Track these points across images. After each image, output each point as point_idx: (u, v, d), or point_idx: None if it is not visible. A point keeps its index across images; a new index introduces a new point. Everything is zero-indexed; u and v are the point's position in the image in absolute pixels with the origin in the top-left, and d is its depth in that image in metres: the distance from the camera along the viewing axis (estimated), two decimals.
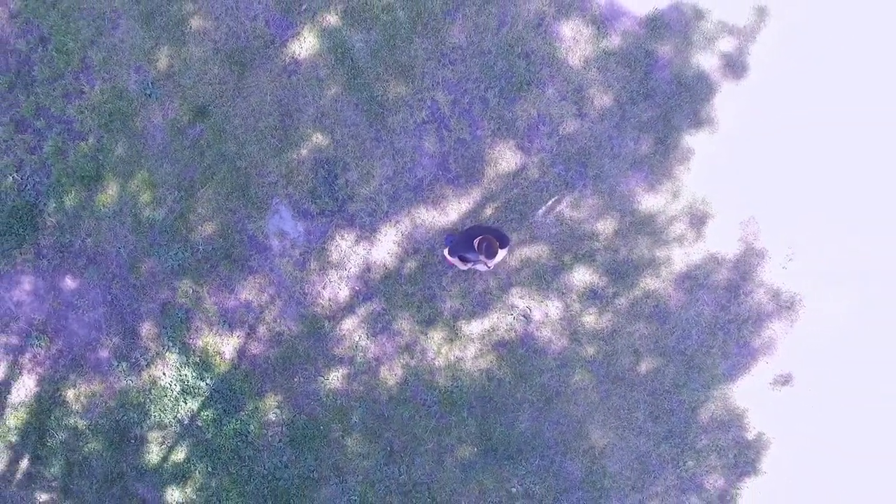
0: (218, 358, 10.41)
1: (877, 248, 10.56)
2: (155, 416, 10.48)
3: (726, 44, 10.09)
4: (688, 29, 10.12)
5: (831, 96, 10.31)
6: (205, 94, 10.03)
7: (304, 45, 9.98)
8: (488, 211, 10.15)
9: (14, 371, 10.42)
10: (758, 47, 10.15)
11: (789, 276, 10.39)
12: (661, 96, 10.14)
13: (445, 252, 9.69)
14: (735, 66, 10.13)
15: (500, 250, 8.84)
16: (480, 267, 9.18)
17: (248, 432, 10.49)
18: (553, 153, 10.10)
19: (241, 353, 10.43)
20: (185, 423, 10.55)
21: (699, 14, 10.16)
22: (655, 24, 10.12)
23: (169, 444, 10.63)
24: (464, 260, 9.21)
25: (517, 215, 10.19)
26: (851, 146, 10.46)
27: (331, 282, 10.27)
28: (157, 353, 10.38)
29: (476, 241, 8.67)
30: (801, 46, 10.35)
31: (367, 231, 10.20)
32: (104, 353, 10.37)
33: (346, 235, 10.20)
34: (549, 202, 10.23)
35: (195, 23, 9.97)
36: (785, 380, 10.53)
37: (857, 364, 10.82)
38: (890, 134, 10.49)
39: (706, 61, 10.16)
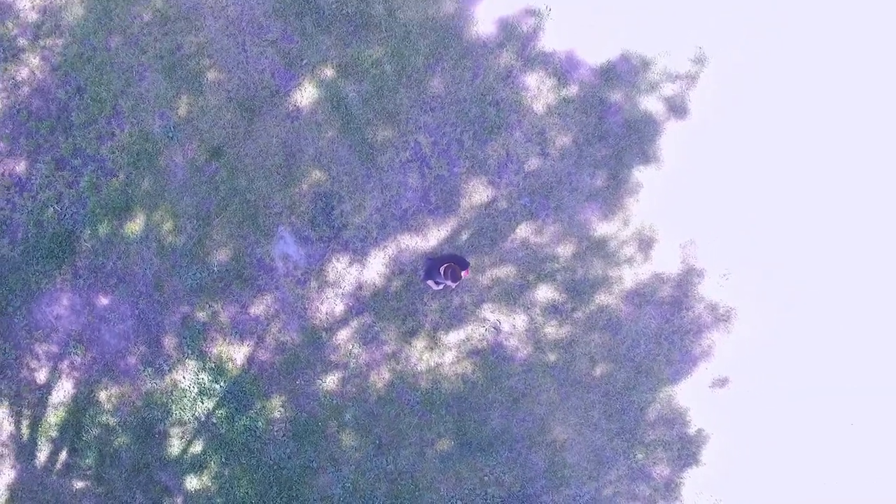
0: (230, 364, 11.05)
1: (801, 266, 11.11)
2: (176, 414, 11.09)
3: (669, 90, 10.85)
4: (636, 78, 10.86)
5: (758, 136, 10.93)
6: (219, 137, 10.76)
7: (305, 94, 10.74)
8: (464, 237, 10.85)
9: (54, 375, 11.03)
10: (697, 92, 10.86)
11: (725, 292, 11.08)
12: (614, 137, 10.88)
13: (421, 276, 10.61)
14: (677, 109, 10.87)
15: (463, 272, 9.62)
16: (452, 286, 10.41)
17: (257, 428, 11.10)
18: (519, 187, 10.84)
19: (251, 359, 11.07)
20: (202, 420, 11.15)
21: (645, 64, 10.86)
22: (608, 74, 10.86)
23: (188, 439, 11.21)
24: (436, 283, 10.20)
25: (488, 241, 10.85)
26: (779, 178, 10.99)
27: (328, 298, 10.96)
28: (178, 360, 11.03)
29: (442, 269, 9.76)
30: (735, 91, 10.96)
31: (359, 255, 10.91)
32: (132, 360, 11.02)
33: (341, 258, 10.89)
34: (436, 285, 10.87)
35: (211, 75, 10.73)
36: (722, 382, 11.21)
37: (786, 367, 11.34)
38: (810, 167, 10.98)
39: (652, 106, 10.88)
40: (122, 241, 10.88)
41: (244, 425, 11.13)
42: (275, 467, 11.17)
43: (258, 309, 11.00)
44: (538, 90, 10.79)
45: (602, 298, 11.00)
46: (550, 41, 10.77)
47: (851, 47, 11.13)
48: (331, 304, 10.99)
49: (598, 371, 11.12)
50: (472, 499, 11.33)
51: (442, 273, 9.22)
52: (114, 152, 10.77)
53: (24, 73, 10.61)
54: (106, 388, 11.06)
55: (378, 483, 11.22)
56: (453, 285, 9.35)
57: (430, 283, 10.15)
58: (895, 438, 11.48)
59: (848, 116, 11.12)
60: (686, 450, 11.34)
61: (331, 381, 11.09)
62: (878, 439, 11.50)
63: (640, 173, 10.87)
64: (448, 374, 11.11)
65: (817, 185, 11.10)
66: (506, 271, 10.95)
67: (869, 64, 11.17)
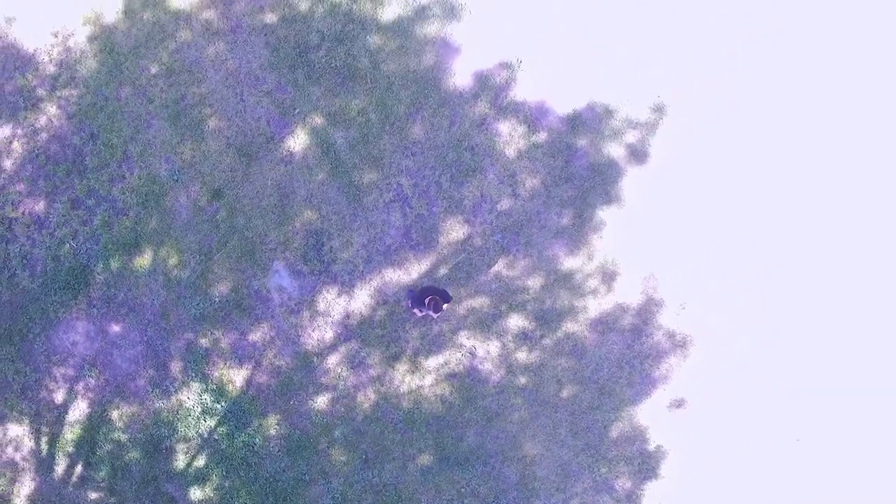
0: (230, 386, 11.54)
1: (752, 296, 11.51)
2: (181, 432, 11.58)
3: (631, 136, 11.31)
4: (600, 125, 11.29)
5: (712, 179, 11.32)
6: (220, 180, 11.25)
7: (298, 140, 11.23)
8: (442, 271, 11.28)
9: (71, 396, 11.50)
10: (656, 139, 11.33)
11: (682, 321, 11.53)
12: (579, 179, 11.33)
13: (407, 303, 11.20)
14: (638, 154, 11.33)
15: (444, 304, 10.22)
16: (434, 316, 11.14)
17: (255, 444, 11.56)
18: (493, 225, 11.28)
19: (249, 381, 11.54)
20: (205, 436, 11.63)
21: (609, 113, 11.27)
22: (574, 122, 11.28)
23: (192, 454, 11.67)
24: (420, 311, 10.95)
25: (464, 274, 11.30)
26: (732, 218, 11.36)
27: (319, 326, 11.44)
28: (183, 382, 11.51)
29: (426, 300, 10.49)
30: (691, 138, 11.35)
31: (347, 287, 11.38)
32: (141, 382, 11.49)
33: (330, 290, 11.39)
34: (493, 268, 11.34)
35: (212, 123, 11.23)
36: (679, 403, 11.67)
37: (737, 389, 11.72)
38: (759, 209, 11.34)
39: (615, 151, 11.32)
40: (131, 274, 11.35)
41: (243, 441, 11.59)
42: (271, 480, 11.61)
43: (256, 336, 11.47)
44: (510, 136, 11.27)
45: (568, 326, 11.46)
46: (522, 92, 11.24)
47: (804, 93, 11.42)
48: (321, 332, 11.47)
49: (564, 392, 11.57)
50: None
51: (426, 304, 9.99)
52: (124, 193, 11.26)
53: (42, 120, 11.12)
54: (118, 408, 11.52)
55: (365, 494, 11.65)
56: (435, 316, 10.14)
57: (415, 310, 10.72)
58: (835, 456, 11.88)
59: (792, 155, 11.42)
60: (646, 464, 11.77)
61: (321, 401, 11.57)
62: (823, 453, 11.85)
63: (604, 212, 11.34)
64: (428, 395, 11.57)
65: (765, 224, 11.45)
66: (480, 301, 11.41)
67: (812, 115, 11.47)
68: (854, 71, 11.35)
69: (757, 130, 11.40)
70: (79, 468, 11.62)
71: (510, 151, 11.26)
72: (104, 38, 11.13)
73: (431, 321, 11.34)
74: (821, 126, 11.37)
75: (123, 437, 11.56)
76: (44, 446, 11.57)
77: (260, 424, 11.56)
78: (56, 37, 11.10)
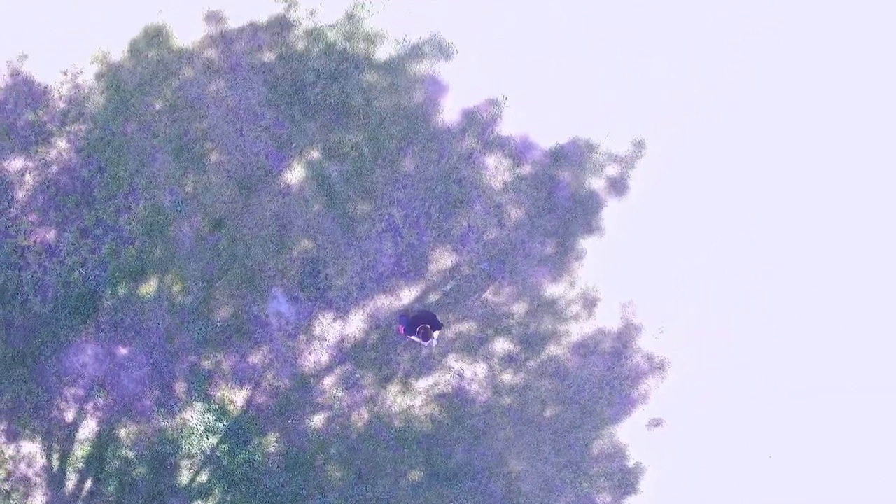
0: (232, 405, 11.79)
1: (727, 321, 11.71)
2: (185, 449, 11.85)
3: (611, 170, 11.50)
4: (582, 159, 11.49)
5: (687, 209, 11.53)
6: (221, 210, 11.49)
7: (294, 173, 11.46)
8: (432, 297, 11.52)
9: (80, 415, 11.76)
10: (635, 172, 11.53)
11: (660, 345, 11.74)
12: (562, 210, 11.54)
13: (399, 328, 11.35)
14: (618, 186, 11.51)
15: (435, 332, 10.26)
16: (423, 344, 11.06)
17: (255, 460, 11.83)
18: (479, 254, 11.51)
19: (249, 401, 11.80)
20: (208, 453, 11.89)
21: (590, 147, 11.46)
22: (557, 155, 11.49)
23: (196, 470, 11.93)
24: (415, 338, 10.73)
25: (453, 300, 11.53)
26: (707, 248, 11.57)
27: (315, 349, 11.68)
28: (187, 402, 11.76)
29: (417, 329, 10.77)
30: (669, 172, 11.55)
31: (342, 312, 11.63)
32: (147, 402, 11.76)
33: (326, 315, 11.63)
34: (481, 294, 11.49)
35: (213, 157, 11.47)
36: (657, 422, 11.88)
37: (712, 410, 11.90)
38: (732, 241, 11.56)
39: (596, 183, 11.50)
40: (138, 300, 11.61)
41: (244, 458, 11.86)
42: (270, 494, 11.89)
43: (255, 358, 11.72)
44: (496, 169, 11.49)
45: (552, 350, 11.69)
46: (507, 127, 11.45)
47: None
48: (317, 355, 11.73)
49: (548, 412, 11.81)
50: None
51: (417, 333, 10.06)
52: (130, 223, 11.51)
53: (53, 154, 11.40)
54: (125, 426, 11.80)
55: None
56: (424, 344, 10.49)
57: (410, 337, 10.76)
58: (804, 476, 12.08)
59: (760, 185, 11.61)
60: (625, 480, 12.01)
61: (318, 420, 11.81)
62: (792, 473, 12.09)
63: (585, 242, 11.55)
64: (418, 414, 11.81)
65: (738, 253, 11.67)
66: (468, 326, 11.65)
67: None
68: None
69: (731, 168, 11.57)
70: (88, 483, 11.90)
71: (496, 184, 11.49)
72: (111, 76, 11.39)
73: (425, 348, 11.71)
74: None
75: (130, 454, 11.85)
76: (55, 463, 11.84)
77: (260, 442, 11.82)
78: (65, 74, 11.39)
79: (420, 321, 10.21)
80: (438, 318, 11.31)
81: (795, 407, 11.90)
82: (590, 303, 11.63)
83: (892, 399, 11.90)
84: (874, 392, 11.87)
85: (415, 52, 11.41)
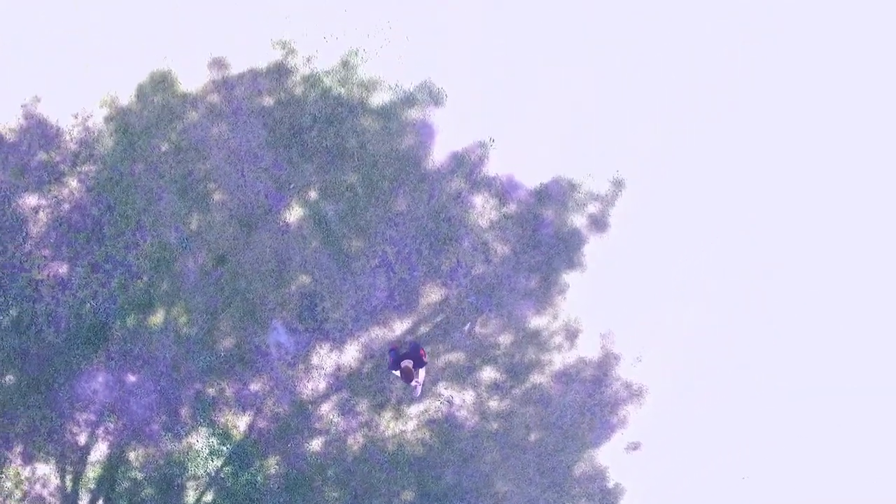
0: (235, 430, 12.10)
1: (702, 351, 11.98)
2: (191, 471, 12.20)
3: (592, 208, 11.78)
4: (565, 198, 11.75)
5: (663, 246, 11.82)
6: (223, 247, 11.80)
7: (293, 212, 11.76)
8: (422, 329, 11.81)
9: (92, 439, 12.09)
10: (615, 210, 11.79)
11: (638, 373, 12.04)
12: (545, 247, 11.82)
13: (389, 360, 11.24)
14: (598, 223, 11.79)
15: (421, 370, 10.44)
16: (409, 385, 11.08)
17: (256, 482, 12.16)
18: (467, 288, 11.81)
19: (251, 426, 12.11)
20: (212, 475, 12.21)
21: (573, 187, 11.72)
22: (541, 195, 11.75)
23: (201, 490, 12.27)
24: (394, 372, 10.79)
25: (442, 332, 11.81)
26: (682, 284, 11.85)
27: (313, 377, 11.99)
28: (193, 427, 12.08)
29: (399, 370, 10.37)
30: (647, 209, 11.81)
31: (338, 343, 11.94)
32: (155, 427, 12.09)
33: (323, 346, 11.94)
34: (466, 327, 11.88)
35: (216, 196, 11.78)
36: (635, 446, 12.19)
37: (687, 433, 12.19)
38: (702, 276, 11.84)
39: (578, 221, 11.78)
40: (146, 330, 11.94)
41: (246, 479, 12.20)
42: None
43: (257, 386, 12.05)
44: (483, 208, 11.79)
45: (536, 378, 12.00)
46: (494, 168, 11.74)
47: (750, 145, 11.78)
48: (315, 383, 12.05)
49: (532, 437, 12.12)
50: None
51: (400, 374, 10.30)
52: (138, 259, 11.84)
53: (64, 192, 11.74)
54: (134, 450, 12.15)
55: None
56: (409, 385, 10.88)
57: (394, 372, 11.27)
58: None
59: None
60: (606, 500, 12.33)
61: (316, 444, 12.13)
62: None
63: (567, 276, 11.86)
64: (410, 438, 12.13)
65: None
66: (457, 356, 11.97)
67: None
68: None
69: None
70: (100, 503, 12.29)
71: (483, 222, 11.78)
72: (119, 119, 11.71)
73: (412, 390, 11.91)
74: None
75: (140, 476, 12.21)
76: (68, 484, 12.18)
77: (261, 464, 12.16)
78: (76, 118, 11.72)
79: (404, 358, 10.53)
80: (427, 350, 11.80)
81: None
82: (571, 334, 11.96)
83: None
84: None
85: (406, 98, 11.68)
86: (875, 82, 11.62)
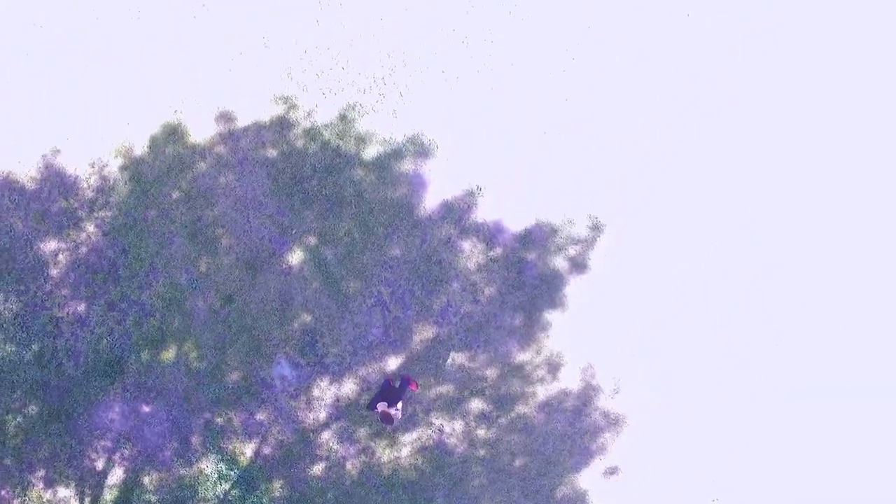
0: (242, 456, 12.59)
1: (678, 384, 12.45)
2: (201, 494, 12.68)
3: (573, 251, 12.35)
4: (547, 242, 12.31)
5: (641, 288, 12.32)
6: (231, 287, 12.34)
7: (295, 255, 12.28)
8: (415, 364, 12.44)
9: (109, 464, 12.59)
10: (594, 252, 12.35)
11: (615, 403, 12.56)
12: (529, 287, 12.35)
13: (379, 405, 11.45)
14: (578, 265, 12.36)
15: (397, 405, 10.94)
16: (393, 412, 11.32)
17: None
18: (457, 326, 12.36)
19: (257, 453, 12.59)
20: (221, 498, 12.69)
21: (554, 231, 12.26)
22: (525, 239, 12.31)
23: None
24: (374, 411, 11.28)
25: (433, 366, 12.39)
26: (656, 322, 12.32)
27: (313, 408, 12.50)
28: (202, 453, 12.57)
29: (377, 408, 10.93)
30: (625, 252, 12.36)
31: (337, 376, 12.47)
32: (168, 453, 12.58)
33: (323, 378, 12.46)
34: (448, 359, 12.51)
35: (224, 241, 12.33)
36: (612, 471, 12.70)
37: (662, 460, 12.65)
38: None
39: (559, 263, 12.35)
40: (159, 364, 12.47)
41: (252, 502, 12.72)
42: None
43: (262, 416, 12.56)
44: (471, 252, 12.35)
45: (520, 408, 12.53)
46: (481, 214, 12.33)
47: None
48: (316, 413, 12.56)
49: (517, 462, 12.62)
50: None
51: (380, 418, 10.89)
52: (151, 298, 12.38)
53: (82, 236, 12.30)
54: (148, 474, 12.66)
55: None
56: (389, 421, 11.14)
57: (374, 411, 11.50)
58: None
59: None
60: None
61: (317, 469, 12.64)
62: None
63: (550, 314, 12.41)
64: (404, 464, 12.65)
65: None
66: (447, 388, 12.51)
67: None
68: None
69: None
70: None
71: (471, 265, 12.35)
72: (133, 168, 12.32)
73: (407, 401, 12.46)
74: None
75: (153, 499, 12.72)
76: None
77: (266, 488, 12.68)
78: (93, 167, 12.35)
79: (380, 398, 10.94)
80: (420, 382, 12.44)
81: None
82: (553, 367, 12.52)
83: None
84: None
85: (399, 150, 12.29)
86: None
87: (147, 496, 12.78)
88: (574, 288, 12.53)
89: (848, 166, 12.01)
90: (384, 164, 12.39)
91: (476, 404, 12.65)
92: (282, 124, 12.34)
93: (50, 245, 12.41)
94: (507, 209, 12.47)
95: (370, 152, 12.38)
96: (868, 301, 12.02)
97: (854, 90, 11.91)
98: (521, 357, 12.58)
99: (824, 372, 12.22)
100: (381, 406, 10.85)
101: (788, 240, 12.09)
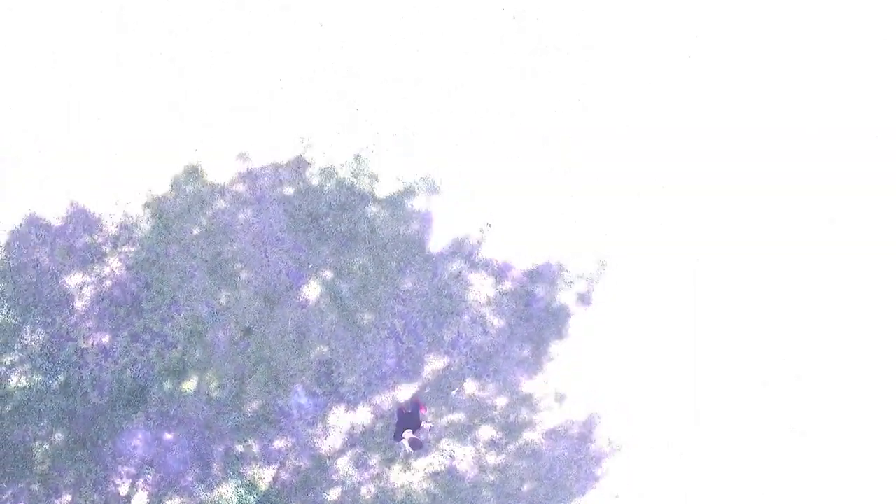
0: (261, 482, 12.79)
1: (679, 409, 12.66)
2: None
3: (579, 286, 12.58)
4: (554, 277, 12.53)
5: (639, 321, 12.58)
6: (250, 320, 12.55)
7: (311, 289, 12.52)
8: (428, 393, 12.66)
9: (133, 489, 12.78)
10: (598, 286, 12.58)
11: (619, 430, 12.73)
12: (537, 320, 12.58)
13: (394, 421, 12.04)
14: (584, 300, 12.58)
15: (421, 430, 11.35)
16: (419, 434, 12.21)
17: None
18: (467, 356, 12.57)
19: (275, 478, 12.80)
20: None
21: (561, 267, 12.52)
22: (533, 274, 12.54)
23: None
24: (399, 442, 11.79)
25: (444, 395, 12.65)
26: (658, 352, 12.51)
27: (330, 435, 12.70)
28: (223, 478, 12.76)
29: (407, 440, 11.34)
30: (626, 289, 12.59)
31: (352, 405, 12.66)
32: (189, 479, 12.78)
33: (339, 407, 12.67)
34: (454, 390, 12.83)
35: (243, 275, 12.57)
36: (615, 495, 12.94)
37: (665, 486, 12.88)
38: (678, 339, 12.51)
39: (566, 297, 12.57)
40: (180, 394, 12.68)
41: None
42: None
43: (280, 443, 12.76)
44: (481, 286, 12.58)
45: (528, 435, 12.76)
46: (490, 250, 12.57)
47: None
48: (332, 440, 12.77)
49: (525, 487, 12.86)
50: None
51: (408, 444, 11.38)
52: (173, 330, 12.58)
53: (106, 271, 12.54)
54: (171, 499, 12.85)
55: None
56: (414, 451, 11.88)
57: (399, 442, 11.89)
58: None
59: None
60: None
61: (333, 494, 12.85)
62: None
63: (556, 346, 12.64)
64: (417, 489, 12.86)
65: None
66: (458, 416, 12.73)
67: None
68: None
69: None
70: None
71: (481, 298, 12.58)
72: (155, 206, 12.57)
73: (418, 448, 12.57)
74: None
75: None
76: None
77: None
78: (117, 205, 12.60)
79: (407, 420, 11.25)
80: (432, 410, 12.66)
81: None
82: (560, 396, 12.74)
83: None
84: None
85: (412, 188, 12.54)
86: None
87: None
88: (579, 321, 12.75)
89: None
90: (397, 202, 12.62)
91: (486, 431, 12.88)
92: (298, 163, 12.61)
93: (75, 279, 12.62)
94: (516, 245, 12.71)
95: (383, 190, 12.61)
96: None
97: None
98: (529, 386, 12.80)
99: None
100: (408, 433, 11.15)
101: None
